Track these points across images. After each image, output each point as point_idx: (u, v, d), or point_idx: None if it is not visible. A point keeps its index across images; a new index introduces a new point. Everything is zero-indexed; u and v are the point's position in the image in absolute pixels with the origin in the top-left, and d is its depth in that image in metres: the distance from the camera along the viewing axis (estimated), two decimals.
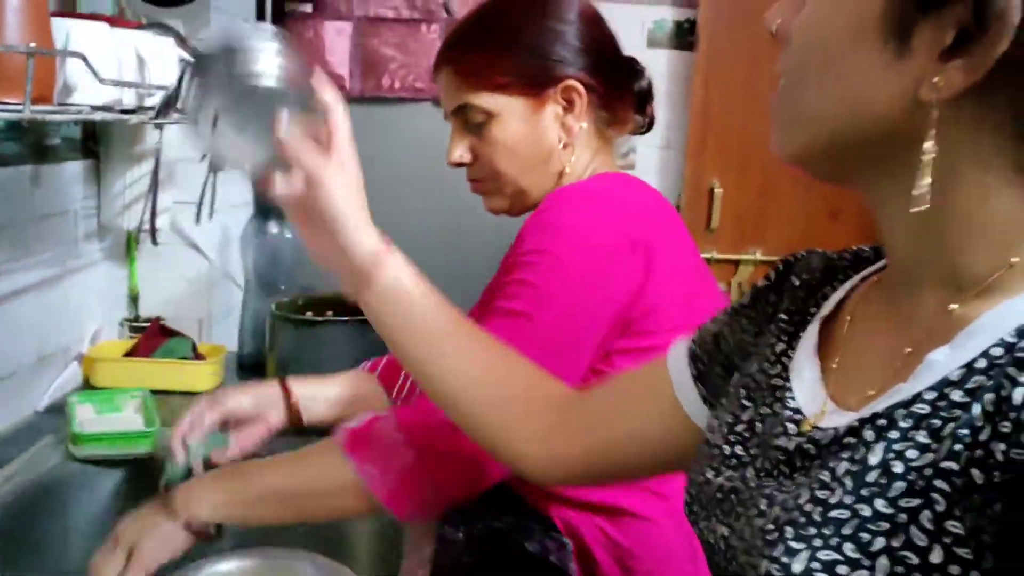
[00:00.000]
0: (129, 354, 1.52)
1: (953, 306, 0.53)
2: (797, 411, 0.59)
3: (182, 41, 1.18)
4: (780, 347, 0.64)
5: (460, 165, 1.09)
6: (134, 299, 1.66)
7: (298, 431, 1.13)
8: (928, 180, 0.51)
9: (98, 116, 0.90)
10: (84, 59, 0.81)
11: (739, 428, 0.63)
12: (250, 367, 1.60)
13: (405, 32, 1.93)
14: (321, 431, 1.04)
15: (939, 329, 0.53)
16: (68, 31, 0.88)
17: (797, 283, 0.68)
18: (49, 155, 1.36)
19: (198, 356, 1.55)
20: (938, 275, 0.55)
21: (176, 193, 1.60)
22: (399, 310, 0.78)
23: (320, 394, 1.16)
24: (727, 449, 0.63)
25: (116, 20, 1.35)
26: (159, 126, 1.03)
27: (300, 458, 0.95)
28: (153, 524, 0.92)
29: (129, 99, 0.99)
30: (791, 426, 0.58)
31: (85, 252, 1.49)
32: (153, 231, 1.16)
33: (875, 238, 0.60)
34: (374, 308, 0.78)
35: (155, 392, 1.41)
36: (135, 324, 1.62)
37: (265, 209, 1.70)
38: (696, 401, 0.73)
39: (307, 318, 1.53)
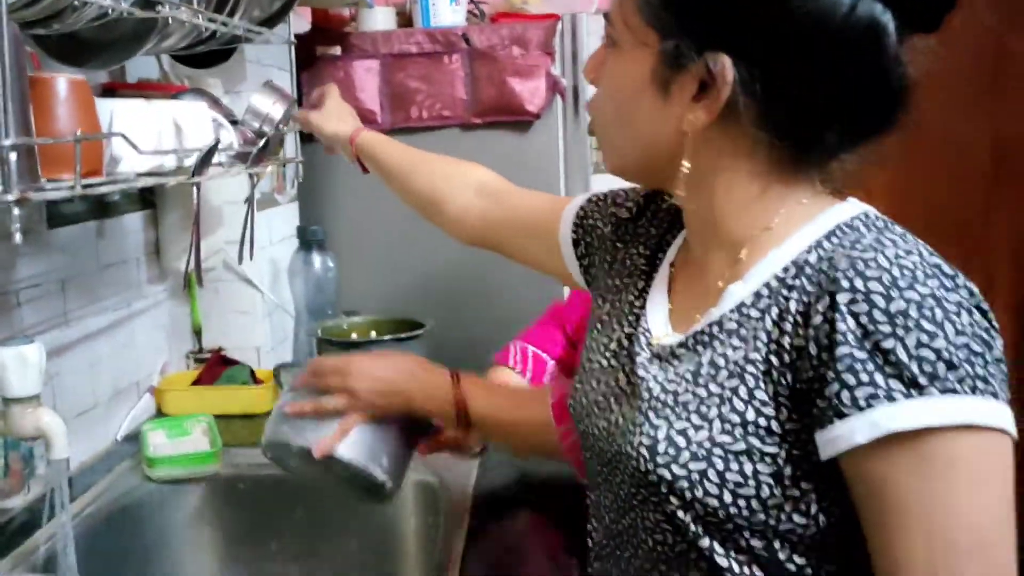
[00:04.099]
0: (195, 383, 1.67)
1: (741, 255, 0.77)
2: (648, 331, 0.83)
3: (215, 103, 1.32)
4: (641, 285, 0.88)
5: None
6: (197, 333, 1.81)
7: None
8: (682, 191, 0.77)
9: (141, 183, 1.04)
10: (125, 137, 0.95)
11: (612, 346, 0.86)
12: None
13: (429, 65, 2.05)
14: None
15: (734, 270, 0.77)
16: (112, 111, 1.02)
17: (653, 231, 0.91)
18: (110, 210, 1.52)
19: (256, 381, 1.69)
20: (720, 240, 0.79)
21: (226, 233, 1.75)
22: (371, 155, 1.34)
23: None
24: (604, 363, 0.86)
25: (160, 86, 1.51)
26: (196, 184, 1.17)
27: (525, 398, 1.17)
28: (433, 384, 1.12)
29: (170, 161, 1.12)
30: (644, 342, 0.82)
31: (150, 293, 1.65)
32: (199, 275, 1.30)
33: None
34: (362, 156, 1.35)
35: (219, 416, 1.56)
36: (199, 356, 1.77)
37: (308, 243, 1.85)
38: (573, 261, 1.02)
39: (351, 340, 1.67)
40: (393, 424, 1.11)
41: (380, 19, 2.12)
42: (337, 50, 2.06)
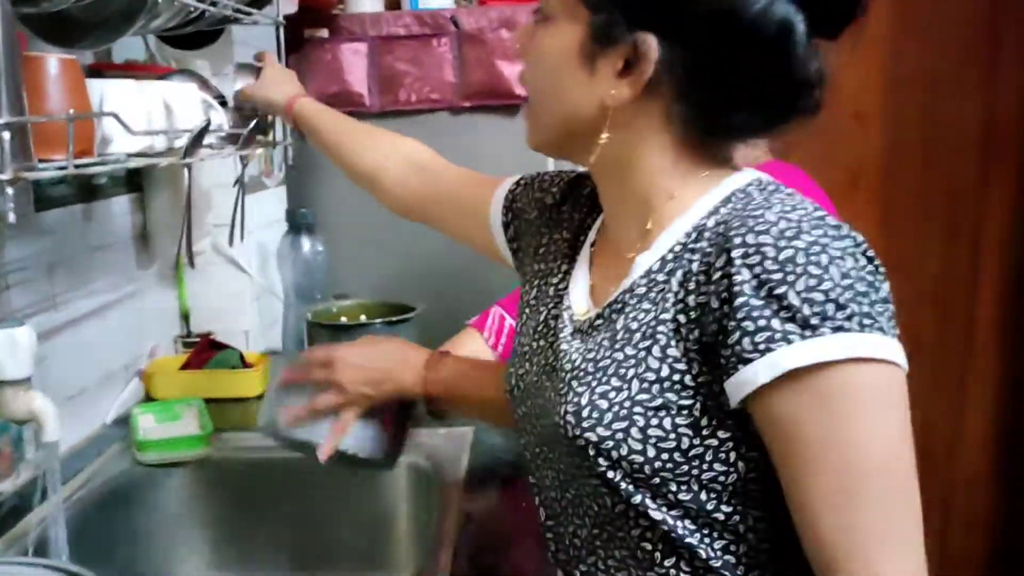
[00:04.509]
0: (184, 367, 1.66)
1: (648, 226, 0.81)
2: (570, 308, 0.87)
3: (204, 84, 1.31)
4: (564, 267, 0.92)
5: None
6: (185, 317, 1.80)
7: None
8: (595, 162, 0.82)
9: (132, 163, 1.03)
10: (117, 117, 0.94)
11: (540, 328, 0.90)
12: None
13: (417, 48, 2.04)
14: None
15: (643, 242, 0.81)
16: (102, 92, 1.01)
17: (576, 216, 0.95)
18: (97, 193, 1.50)
19: (246, 365, 1.69)
20: (630, 213, 0.83)
21: (215, 216, 1.74)
22: (307, 125, 1.35)
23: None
24: (534, 344, 0.90)
25: (146, 67, 1.49)
26: (187, 165, 1.16)
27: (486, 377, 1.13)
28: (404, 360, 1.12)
29: (160, 143, 1.11)
30: (567, 319, 0.87)
31: (138, 277, 1.64)
32: (191, 256, 1.29)
33: None
34: (299, 125, 1.37)
35: (209, 400, 1.55)
36: (187, 340, 1.76)
37: (297, 226, 1.84)
38: (502, 242, 1.06)
39: (341, 323, 1.66)
40: (387, 404, 1.12)
41: (368, 1, 2.11)
42: (325, 32, 2.05)
